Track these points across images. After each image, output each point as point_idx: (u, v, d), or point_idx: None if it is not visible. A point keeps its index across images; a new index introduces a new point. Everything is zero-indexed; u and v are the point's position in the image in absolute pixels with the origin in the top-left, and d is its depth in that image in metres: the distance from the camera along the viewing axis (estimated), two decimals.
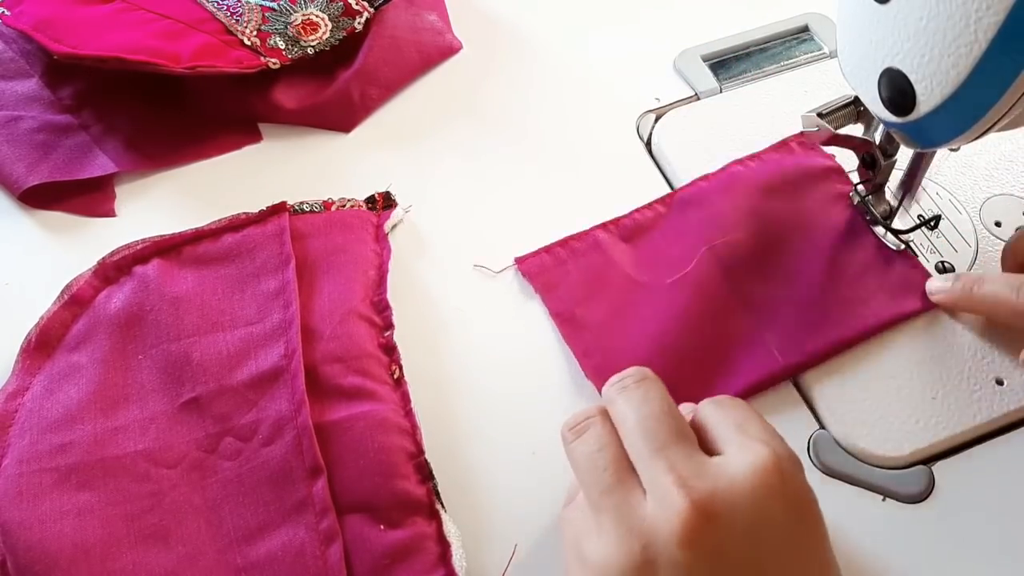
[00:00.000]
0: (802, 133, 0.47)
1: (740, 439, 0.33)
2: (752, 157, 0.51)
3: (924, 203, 0.50)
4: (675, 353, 0.44)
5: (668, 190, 0.52)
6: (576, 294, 0.47)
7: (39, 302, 0.45)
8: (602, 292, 0.47)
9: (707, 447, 0.34)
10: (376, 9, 0.56)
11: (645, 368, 0.36)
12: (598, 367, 0.44)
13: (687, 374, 0.43)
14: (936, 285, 0.45)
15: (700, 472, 0.32)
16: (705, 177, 0.50)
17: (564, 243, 0.48)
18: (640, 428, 0.33)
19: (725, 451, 0.33)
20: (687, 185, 0.50)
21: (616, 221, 0.49)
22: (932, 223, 0.49)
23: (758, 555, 0.31)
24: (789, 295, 0.46)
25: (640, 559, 0.31)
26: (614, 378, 0.36)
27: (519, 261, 0.48)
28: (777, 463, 0.32)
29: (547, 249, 0.48)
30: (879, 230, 0.48)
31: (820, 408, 0.43)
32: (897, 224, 0.48)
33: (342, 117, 0.54)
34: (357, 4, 0.55)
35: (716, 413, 0.35)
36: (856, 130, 0.46)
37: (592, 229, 0.49)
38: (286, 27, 0.54)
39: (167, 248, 0.46)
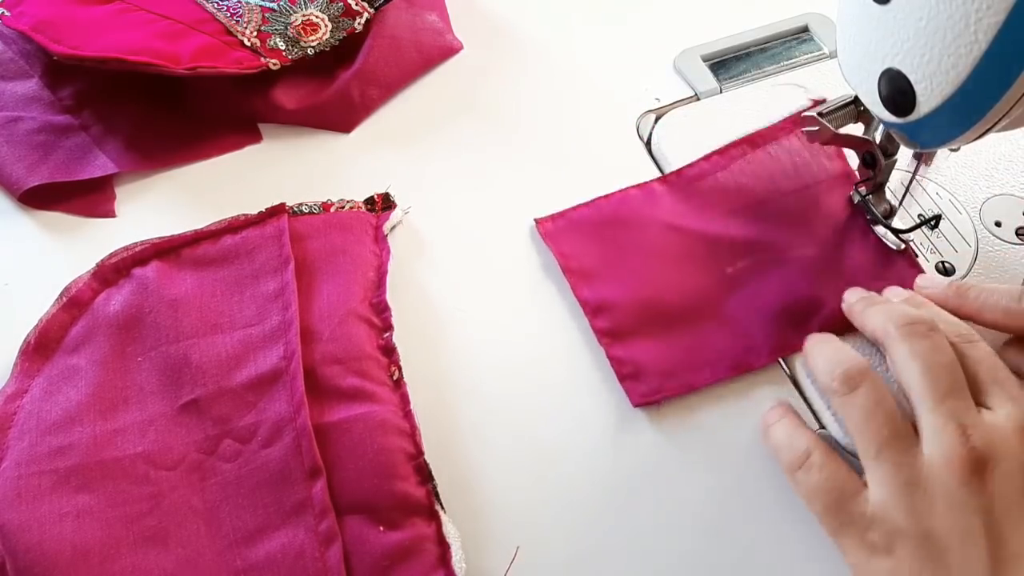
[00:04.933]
0: (802, 130, 0.47)
1: (1005, 397, 0.37)
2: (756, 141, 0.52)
3: (924, 203, 0.50)
4: (674, 323, 0.46)
5: None
6: (590, 252, 0.48)
7: (39, 303, 0.45)
8: (616, 254, 0.48)
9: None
10: (376, 9, 0.55)
11: (931, 318, 0.39)
12: (604, 328, 0.46)
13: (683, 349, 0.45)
14: (926, 282, 0.44)
15: (978, 424, 0.35)
16: (708, 158, 0.52)
17: (586, 204, 0.50)
18: (927, 377, 0.37)
19: (993, 407, 0.36)
20: (692, 166, 0.52)
21: (633, 188, 0.51)
22: (932, 223, 0.49)
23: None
24: (784, 288, 0.46)
25: (919, 502, 0.35)
26: (901, 318, 0.39)
27: (540, 222, 0.50)
28: None
29: (564, 212, 0.50)
30: (880, 229, 0.48)
31: (819, 409, 0.43)
32: (897, 224, 0.48)
33: (342, 117, 0.54)
34: (357, 5, 0.55)
35: (980, 361, 0.38)
36: (856, 130, 0.46)
37: (618, 192, 0.51)
38: (286, 28, 0.54)
39: (166, 250, 0.46)
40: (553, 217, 0.49)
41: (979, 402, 0.37)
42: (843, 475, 0.37)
